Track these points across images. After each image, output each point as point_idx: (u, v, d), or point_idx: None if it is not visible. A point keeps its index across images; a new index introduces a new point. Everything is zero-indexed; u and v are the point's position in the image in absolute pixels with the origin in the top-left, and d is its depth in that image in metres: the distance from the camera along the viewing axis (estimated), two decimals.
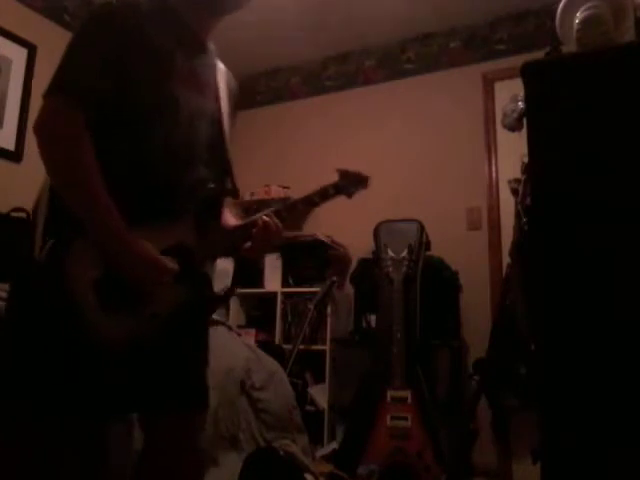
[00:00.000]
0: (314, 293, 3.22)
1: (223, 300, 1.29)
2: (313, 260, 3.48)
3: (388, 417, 2.66)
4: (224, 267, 4.20)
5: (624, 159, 1.26)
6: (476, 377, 2.71)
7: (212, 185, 1.25)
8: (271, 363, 2.55)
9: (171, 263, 1.10)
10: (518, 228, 1.96)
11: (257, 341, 3.32)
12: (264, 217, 1.24)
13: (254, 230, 1.23)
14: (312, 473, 2.26)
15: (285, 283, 3.52)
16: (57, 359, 1.04)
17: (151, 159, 1.13)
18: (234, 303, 3.62)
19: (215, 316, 2.53)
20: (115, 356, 1.07)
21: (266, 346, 2.95)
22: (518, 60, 1.51)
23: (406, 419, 2.64)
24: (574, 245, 1.27)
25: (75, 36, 1.12)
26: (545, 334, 1.29)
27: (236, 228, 1.27)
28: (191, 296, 1.17)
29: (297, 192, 3.71)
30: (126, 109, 1.11)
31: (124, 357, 1.08)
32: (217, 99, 1.29)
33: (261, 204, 3.79)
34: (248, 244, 1.26)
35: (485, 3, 3.36)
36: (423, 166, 3.61)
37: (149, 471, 1.19)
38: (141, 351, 1.10)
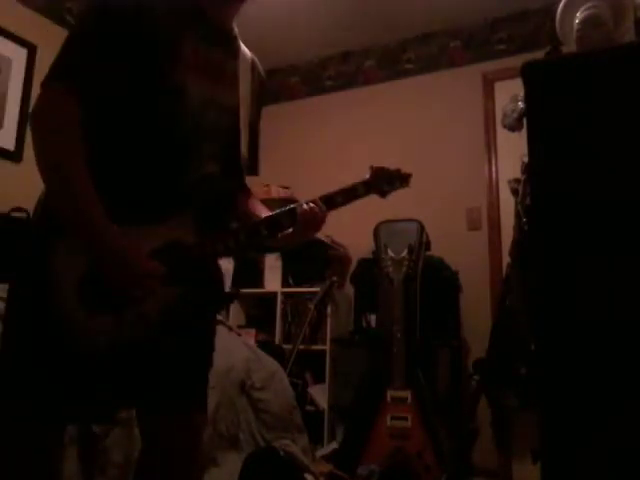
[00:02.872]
0: (314, 293, 3.22)
1: (228, 300, 1.25)
2: (313, 260, 3.48)
3: (388, 417, 2.66)
4: (224, 267, 4.19)
5: (624, 159, 1.26)
6: (476, 377, 2.70)
7: (222, 181, 1.20)
8: (271, 363, 2.55)
9: (157, 265, 1.05)
10: (518, 228, 1.96)
11: (257, 341, 3.32)
12: (309, 203, 1.20)
13: (300, 215, 1.19)
14: (312, 473, 2.26)
15: (285, 283, 3.51)
16: (36, 363, 1.01)
17: (148, 153, 1.09)
18: (234, 303, 3.62)
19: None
20: (97, 358, 1.04)
21: (266, 346, 2.95)
22: (518, 60, 1.51)
23: (406, 419, 2.64)
24: (574, 245, 1.27)
25: (74, 26, 1.10)
26: (545, 334, 1.29)
27: (268, 218, 1.20)
28: (189, 296, 1.12)
29: (297, 192, 3.71)
30: (124, 99, 1.06)
31: (107, 359, 1.04)
32: (235, 89, 1.21)
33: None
34: (287, 232, 1.21)
35: (485, 3, 3.36)
36: (423, 166, 3.60)
37: (147, 470, 1.18)
38: (127, 352, 1.06)
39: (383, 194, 1.37)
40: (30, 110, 1.05)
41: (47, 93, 1.04)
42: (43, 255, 1.02)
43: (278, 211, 1.21)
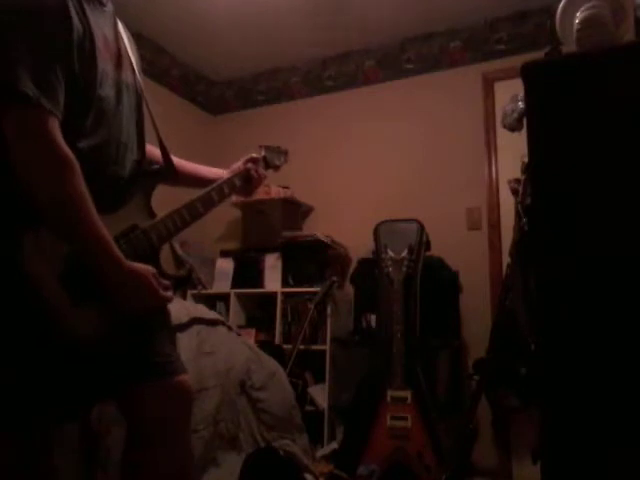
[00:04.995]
0: (314, 293, 3.22)
1: (186, 281, 1.28)
2: (313, 260, 3.48)
3: (388, 417, 2.66)
4: (225, 268, 4.18)
5: (624, 159, 1.26)
6: (476, 377, 2.71)
7: (156, 166, 1.24)
8: (271, 363, 2.55)
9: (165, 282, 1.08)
10: (518, 228, 1.96)
11: (257, 341, 3.32)
12: (248, 166, 1.43)
13: (252, 172, 1.42)
14: (312, 473, 2.26)
15: (285, 283, 3.51)
16: (31, 362, 0.99)
17: (90, 147, 1.07)
18: (234, 303, 3.62)
19: (215, 316, 2.53)
20: (90, 348, 1.02)
21: (266, 346, 2.95)
22: (518, 60, 1.51)
23: (406, 419, 2.63)
24: (574, 245, 1.27)
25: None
26: (545, 334, 1.29)
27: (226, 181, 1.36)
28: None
29: (297, 192, 3.71)
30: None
31: (98, 347, 1.03)
32: (133, 69, 1.22)
33: (261, 204, 3.80)
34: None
35: (485, 3, 3.36)
36: (423, 166, 3.61)
37: (141, 447, 1.16)
38: (115, 336, 1.06)
39: (276, 168, 1.57)
40: (15, 135, 0.94)
41: (38, 115, 0.95)
42: (13, 254, 0.96)
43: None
